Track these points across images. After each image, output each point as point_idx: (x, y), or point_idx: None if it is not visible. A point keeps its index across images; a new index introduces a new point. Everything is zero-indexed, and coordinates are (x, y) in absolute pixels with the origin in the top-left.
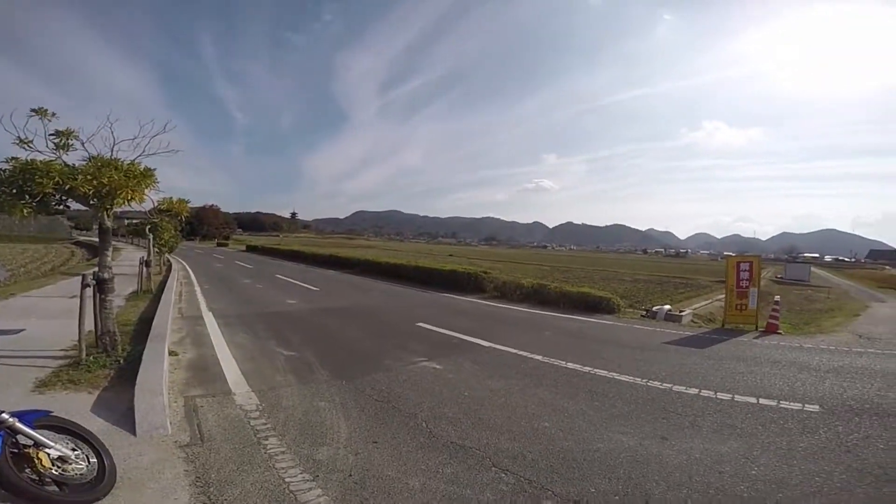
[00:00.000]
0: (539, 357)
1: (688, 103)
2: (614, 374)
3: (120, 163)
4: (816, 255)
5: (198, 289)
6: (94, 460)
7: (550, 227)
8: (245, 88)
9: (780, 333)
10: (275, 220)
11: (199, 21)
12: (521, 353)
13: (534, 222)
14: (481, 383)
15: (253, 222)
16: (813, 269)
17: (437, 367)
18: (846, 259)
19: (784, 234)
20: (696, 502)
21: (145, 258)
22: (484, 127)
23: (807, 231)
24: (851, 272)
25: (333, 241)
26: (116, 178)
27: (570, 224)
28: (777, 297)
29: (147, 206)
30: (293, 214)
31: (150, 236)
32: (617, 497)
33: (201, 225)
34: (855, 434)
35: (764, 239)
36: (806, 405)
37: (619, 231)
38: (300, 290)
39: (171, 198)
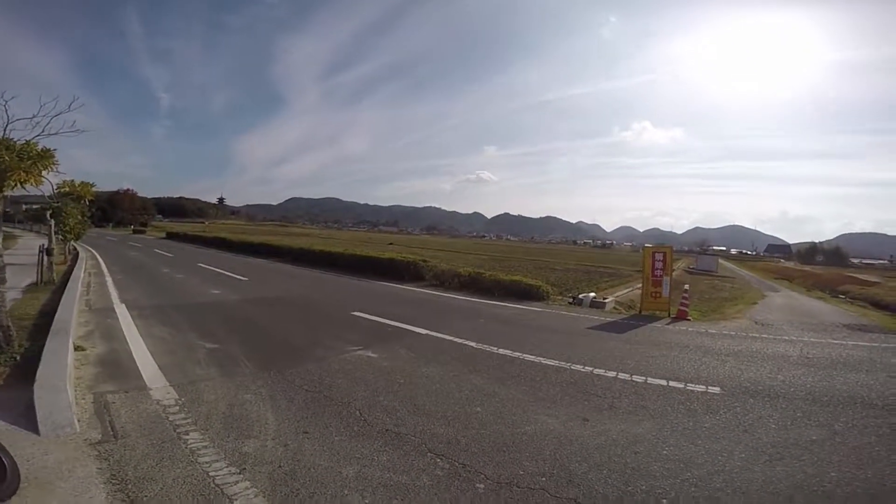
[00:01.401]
0: (473, 343)
1: (620, 103)
2: (541, 358)
3: (12, 142)
4: (724, 248)
5: (109, 279)
6: None
7: (489, 217)
8: (173, 68)
9: (689, 320)
10: (200, 206)
11: None
12: (456, 339)
13: (473, 212)
14: (417, 370)
15: (175, 208)
16: (721, 260)
17: (372, 355)
18: (748, 252)
19: (697, 228)
20: (616, 481)
21: (46, 246)
22: (429, 116)
23: (716, 226)
24: (753, 264)
25: (265, 229)
26: (7, 158)
27: (507, 215)
28: (686, 286)
29: (46, 189)
30: (221, 200)
31: (52, 222)
32: (544, 478)
33: (115, 210)
34: (751, 414)
35: (680, 233)
36: (709, 387)
37: (551, 222)
38: (226, 279)
39: (72, 180)
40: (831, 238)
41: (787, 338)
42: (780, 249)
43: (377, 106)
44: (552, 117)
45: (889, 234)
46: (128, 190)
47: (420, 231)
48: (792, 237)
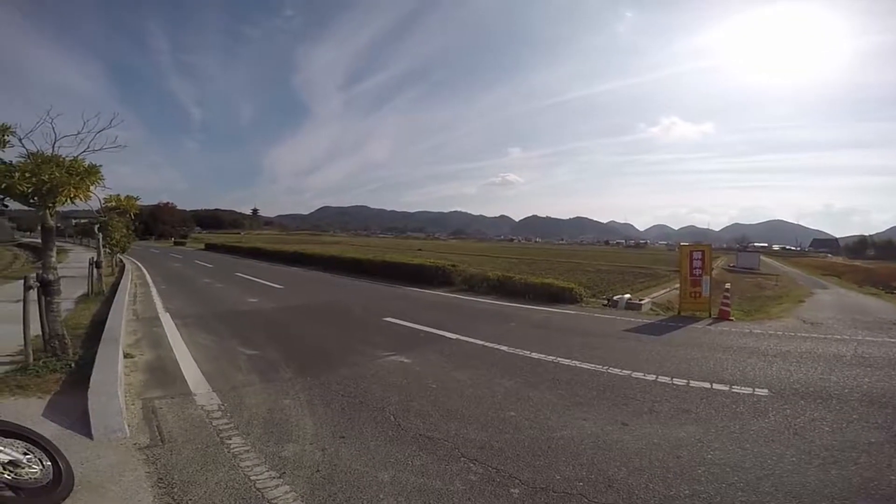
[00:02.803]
0: (505, 348)
1: (645, 99)
2: (576, 362)
3: (61, 159)
4: (765, 244)
5: (153, 289)
6: (48, 464)
7: (516, 220)
8: (200, 82)
9: (731, 320)
10: (235, 218)
11: (148, 14)
12: (487, 344)
13: (500, 216)
14: (449, 375)
15: (212, 220)
16: (762, 257)
17: (405, 360)
18: (792, 248)
19: (735, 224)
20: (657, 486)
21: (95, 259)
22: (450, 120)
23: (756, 221)
24: (797, 260)
25: (298, 238)
26: (58, 174)
27: (534, 217)
28: (728, 285)
29: (94, 204)
30: (255, 211)
31: (100, 236)
32: (581, 483)
33: (157, 223)
34: (802, 417)
35: (717, 229)
36: (756, 389)
37: (581, 223)
38: (263, 288)
39: (118, 195)
40: (882, 230)
41: (839, 337)
42: (826, 244)
43: (398, 112)
44: (575, 116)
45: None
46: (168, 203)
47: (447, 236)
48: (838, 230)
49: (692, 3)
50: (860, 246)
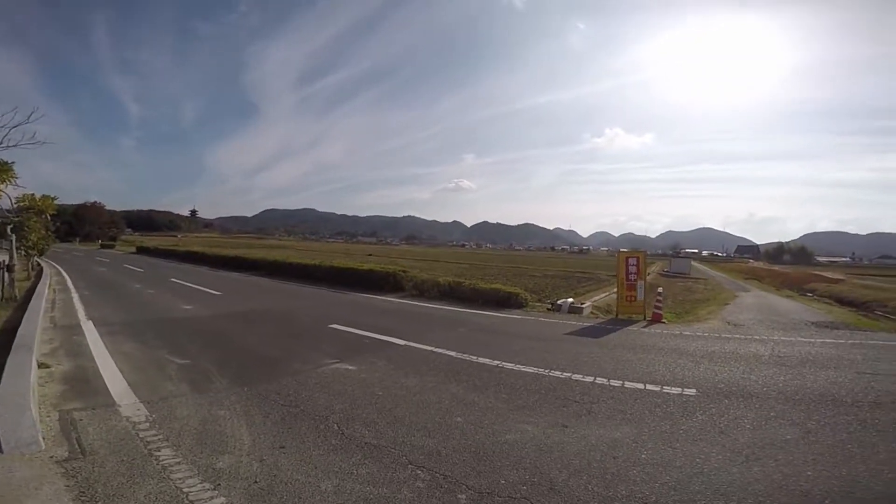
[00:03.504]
0: (453, 353)
1: (592, 109)
2: (521, 366)
3: None
4: (696, 250)
5: (75, 295)
6: None
7: (468, 225)
8: (142, 78)
9: (664, 322)
10: (172, 219)
11: (91, 6)
12: (435, 349)
13: (453, 221)
14: (396, 382)
15: (146, 221)
16: (693, 263)
17: (350, 367)
18: (719, 254)
19: (669, 231)
20: (596, 487)
21: (6, 262)
22: (405, 125)
23: (688, 229)
24: (723, 265)
25: (240, 241)
26: None
27: (485, 223)
28: (660, 289)
29: (4, 203)
30: (193, 212)
31: (13, 237)
32: (525, 487)
33: (82, 224)
34: (726, 416)
35: (653, 236)
36: (685, 389)
37: (529, 229)
38: (199, 294)
39: (32, 194)
40: (796, 238)
41: (758, 337)
42: (748, 250)
43: (353, 115)
44: (527, 125)
45: (850, 232)
46: (95, 203)
47: (399, 241)
48: (759, 238)
49: (636, 16)
50: (778, 252)
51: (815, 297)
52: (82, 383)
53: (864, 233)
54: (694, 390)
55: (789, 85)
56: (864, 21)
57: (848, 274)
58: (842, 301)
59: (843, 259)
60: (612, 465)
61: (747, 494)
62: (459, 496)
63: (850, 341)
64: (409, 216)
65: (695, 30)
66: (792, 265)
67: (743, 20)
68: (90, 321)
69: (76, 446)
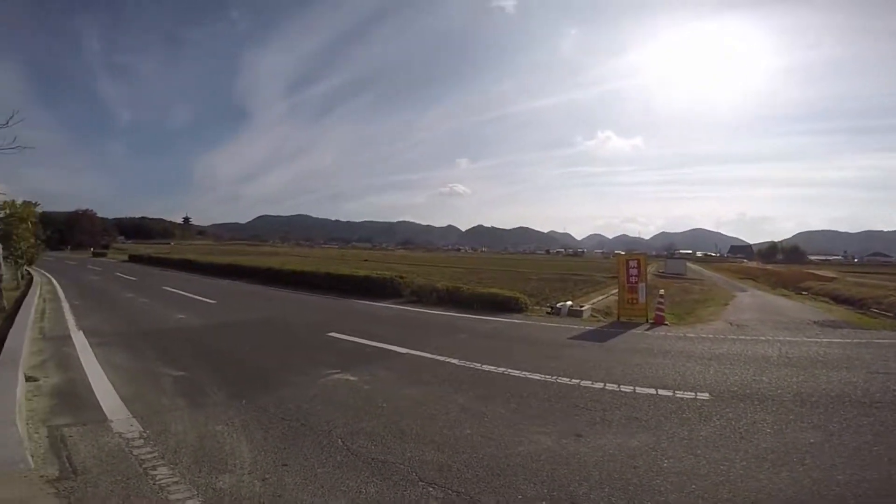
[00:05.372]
0: (456, 361)
1: (584, 113)
2: (526, 373)
3: None
4: (690, 251)
5: (66, 305)
6: None
7: (463, 230)
8: (132, 84)
9: (666, 324)
10: (164, 227)
11: (81, 12)
12: (438, 357)
13: (448, 225)
14: (399, 392)
15: (138, 229)
16: (688, 263)
17: (352, 378)
18: (713, 254)
19: (663, 233)
20: (619, 500)
21: None
22: (399, 130)
23: (681, 230)
24: (718, 265)
25: (234, 248)
26: None
27: (480, 227)
28: (662, 291)
29: None
30: (186, 219)
31: None
32: (544, 502)
33: (74, 233)
34: (744, 419)
35: (647, 238)
36: (698, 394)
37: (524, 233)
38: (193, 303)
39: (13, 201)
40: (789, 237)
41: (763, 338)
42: (742, 250)
43: (346, 120)
44: (520, 129)
45: (841, 230)
46: (87, 211)
47: (395, 246)
48: (752, 237)
49: (626, 22)
50: (771, 251)
51: (810, 295)
52: (72, 397)
53: (856, 231)
54: (707, 394)
55: (777, 86)
56: (848, 22)
57: (841, 272)
58: (838, 299)
59: (836, 257)
60: (634, 476)
61: (778, 501)
62: None
63: (855, 340)
64: (403, 221)
65: (684, 34)
66: (785, 264)
67: (730, 24)
68: (81, 332)
69: (67, 465)
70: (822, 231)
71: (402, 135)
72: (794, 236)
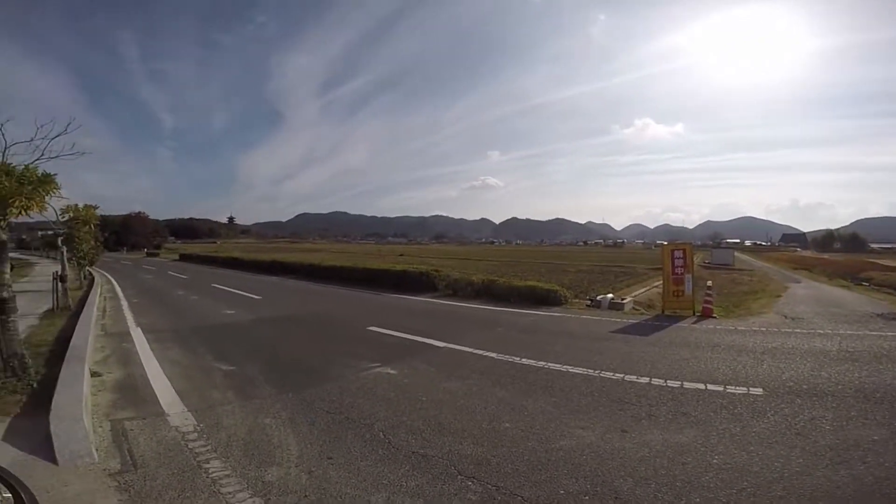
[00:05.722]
0: (494, 354)
1: (619, 101)
2: (568, 367)
3: (12, 167)
4: (738, 240)
5: (124, 303)
6: (7, 495)
7: (497, 222)
8: (171, 90)
9: (715, 317)
10: (210, 227)
11: (117, 22)
12: (476, 351)
13: (481, 219)
14: (438, 386)
15: (187, 229)
16: (736, 253)
17: (392, 372)
18: (763, 243)
19: (708, 221)
20: (666, 496)
21: (59, 272)
22: (429, 124)
23: (727, 218)
24: (768, 255)
25: (276, 246)
26: (7, 185)
27: (514, 219)
28: (710, 282)
29: (50, 215)
30: (230, 219)
31: (63, 248)
32: (587, 497)
33: (128, 234)
34: (801, 416)
35: (691, 227)
36: (750, 389)
37: (560, 224)
38: (240, 299)
39: (76, 204)
40: (846, 224)
41: (821, 331)
42: (795, 238)
43: (376, 117)
44: (552, 119)
45: None
46: (140, 213)
47: (429, 240)
48: (806, 225)
49: (663, 6)
50: (827, 240)
51: (872, 286)
52: (132, 392)
53: None
54: (761, 390)
55: (818, 69)
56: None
57: None
58: None
59: None
60: (682, 472)
61: (836, 500)
62: None
63: None
64: (437, 215)
65: (720, 18)
66: (843, 253)
67: (769, 6)
68: (139, 328)
69: (128, 458)
70: (884, 217)
71: (432, 129)
72: (852, 223)
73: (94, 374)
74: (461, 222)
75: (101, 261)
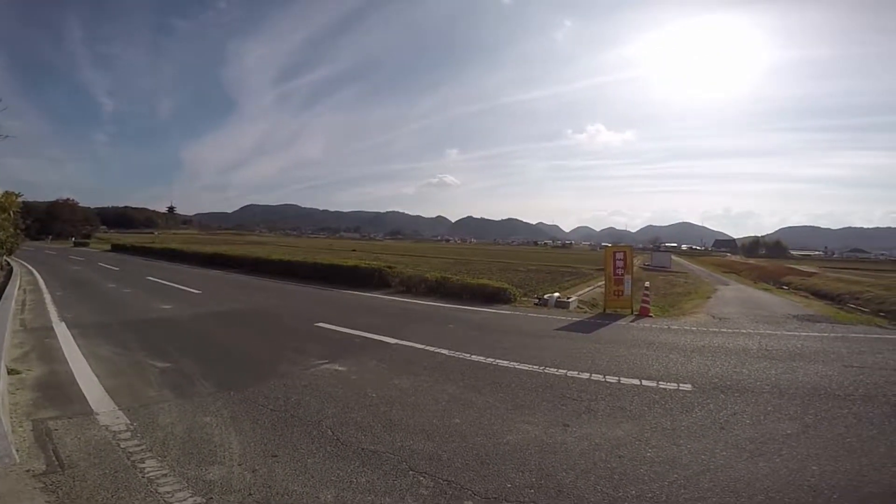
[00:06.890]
0: (445, 351)
1: (575, 106)
2: (514, 363)
3: None
4: (675, 244)
5: (47, 296)
6: None
7: (453, 220)
8: (117, 73)
9: (651, 317)
10: (148, 216)
11: (60, 2)
12: (427, 348)
13: (437, 216)
14: (389, 383)
15: (121, 218)
16: (673, 256)
17: (340, 368)
18: (697, 248)
19: (649, 226)
20: (605, 488)
21: None
22: (388, 120)
23: (667, 223)
24: (702, 259)
25: (220, 238)
26: None
27: (470, 218)
28: (647, 283)
29: None
30: (171, 208)
31: None
32: (532, 490)
33: (55, 222)
34: (724, 411)
35: (634, 231)
36: (680, 385)
37: (513, 224)
38: (178, 293)
39: None
40: (771, 232)
41: (744, 331)
42: (726, 244)
43: (335, 110)
44: (510, 121)
45: (822, 227)
46: (68, 200)
47: (383, 236)
48: (736, 232)
49: (622, 14)
50: (754, 246)
51: (790, 290)
52: (56, 390)
53: (836, 227)
54: (689, 385)
55: (765, 84)
56: (833, 23)
57: (821, 267)
58: (817, 294)
59: (816, 252)
60: (619, 465)
61: (756, 491)
62: (465, 503)
63: (832, 334)
64: (393, 211)
65: (677, 29)
66: (767, 259)
67: (722, 19)
68: (63, 323)
69: (53, 458)
70: (804, 227)
71: (392, 125)
72: (776, 231)
73: (11, 372)
74: (417, 219)
75: (21, 250)
